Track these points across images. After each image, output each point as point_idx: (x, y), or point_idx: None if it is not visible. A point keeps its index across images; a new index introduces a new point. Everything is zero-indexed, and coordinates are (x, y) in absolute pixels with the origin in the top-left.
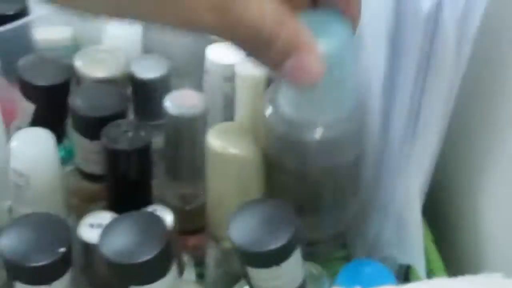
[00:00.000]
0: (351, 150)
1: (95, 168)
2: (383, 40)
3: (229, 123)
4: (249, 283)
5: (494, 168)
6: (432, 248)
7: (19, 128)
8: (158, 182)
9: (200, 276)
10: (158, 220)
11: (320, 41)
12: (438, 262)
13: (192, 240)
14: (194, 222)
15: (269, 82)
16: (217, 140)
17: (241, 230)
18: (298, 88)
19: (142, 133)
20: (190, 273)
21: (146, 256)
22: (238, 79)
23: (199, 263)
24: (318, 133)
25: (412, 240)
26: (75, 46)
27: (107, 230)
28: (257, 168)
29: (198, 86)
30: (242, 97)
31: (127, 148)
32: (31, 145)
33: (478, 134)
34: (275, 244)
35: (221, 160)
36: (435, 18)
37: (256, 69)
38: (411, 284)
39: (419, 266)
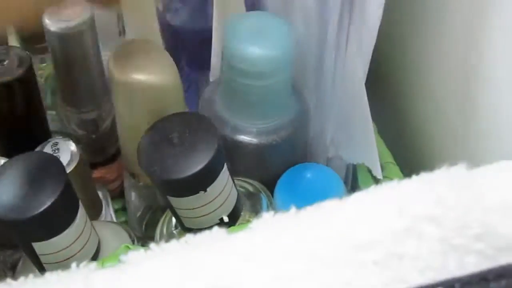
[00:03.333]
0: (297, 150)
1: None
2: None
3: (130, 41)
4: (175, 214)
5: (435, 43)
6: (379, 140)
7: None
8: (58, 111)
9: (123, 209)
10: (53, 161)
11: (262, 46)
12: (387, 155)
13: (105, 172)
14: (105, 151)
15: None
16: (119, 66)
17: (154, 157)
18: (235, 92)
19: (22, 60)
20: (108, 210)
21: (41, 207)
22: None
23: (119, 196)
24: (257, 138)
25: (361, 135)
26: None
27: None
28: (171, 92)
29: None
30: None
31: (3, 80)
32: None
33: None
34: (195, 167)
35: (127, 89)
36: None
37: None
38: (356, 195)
39: (373, 163)
